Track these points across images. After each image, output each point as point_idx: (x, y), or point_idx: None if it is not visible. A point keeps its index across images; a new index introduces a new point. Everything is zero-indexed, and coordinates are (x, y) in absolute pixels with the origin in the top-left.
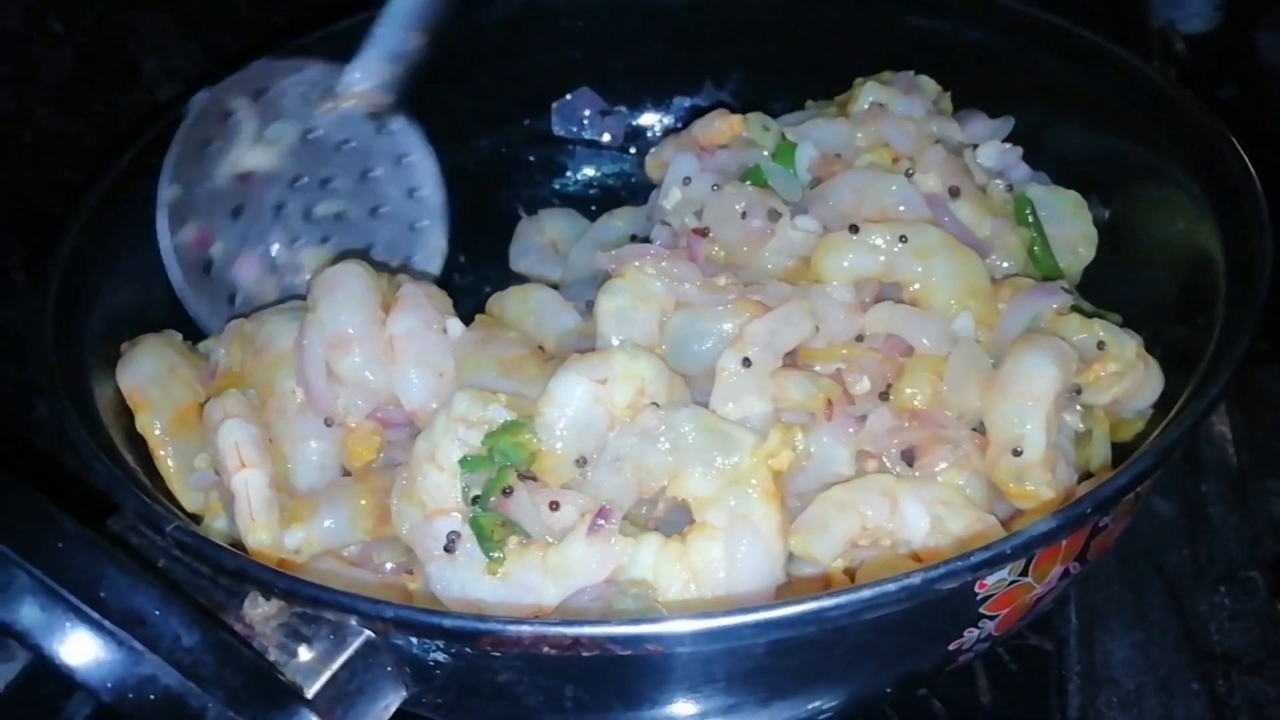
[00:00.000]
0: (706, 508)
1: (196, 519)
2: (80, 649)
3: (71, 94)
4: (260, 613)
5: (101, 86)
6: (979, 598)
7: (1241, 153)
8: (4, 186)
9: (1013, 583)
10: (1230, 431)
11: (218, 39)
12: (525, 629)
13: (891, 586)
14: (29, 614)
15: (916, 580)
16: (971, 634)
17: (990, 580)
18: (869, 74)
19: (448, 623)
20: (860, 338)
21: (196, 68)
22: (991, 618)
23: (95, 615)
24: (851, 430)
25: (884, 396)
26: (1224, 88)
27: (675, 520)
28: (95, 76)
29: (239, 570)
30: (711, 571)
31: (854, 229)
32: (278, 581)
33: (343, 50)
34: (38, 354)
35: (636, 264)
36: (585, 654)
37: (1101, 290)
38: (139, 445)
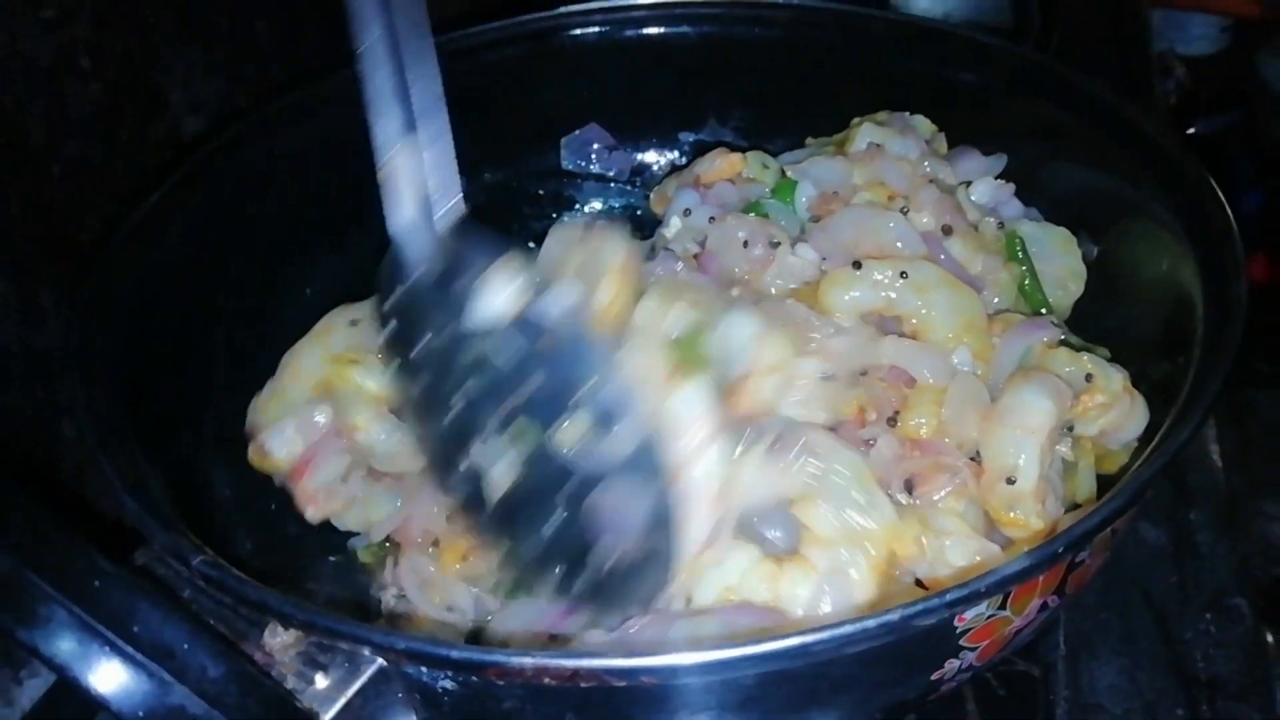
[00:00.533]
0: (816, 546)
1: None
2: (113, 679)
3: (100, 125)
4: (279, 641)
5: (128, 118)
6: (958, 631)
7: (1221, 196)
8: (34, 214)
9: (991, 616)
10: (1220, 459)
11: (242, 70)
12: (527, 661)
13: (871, 623)
14: (67, 647)
15: (895, 617)
16: (953, 664)
17: (968, 615)
18: (867, 112)
19: (455, 654)
20: (864, 370)
21: (221, 98)
22: (972, 649)
23: (128, 648)
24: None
25: (891, 422)
26: (1226, 113)
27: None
28: (122, 108)
29: (260, 603)
30: (792, 605)
31: (857, 265)
32: (296, 614)
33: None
34: (70, 394)
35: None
36: (584, 685)
37: (1090, 324)
38: (172, 469)
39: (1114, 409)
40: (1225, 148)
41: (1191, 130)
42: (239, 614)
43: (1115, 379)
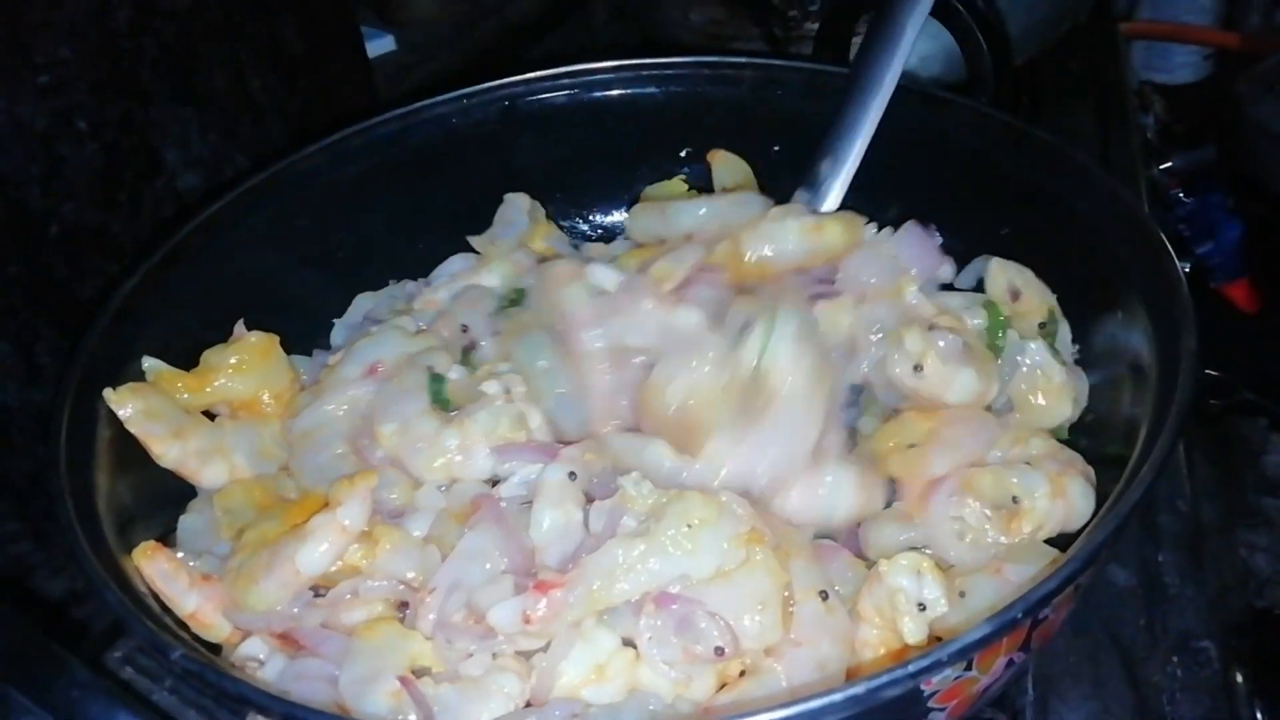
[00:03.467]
0: None
1: None
2: None
3: (96, 187)
4: None
5: (125, 179)
6: (926, 694)
7: (1169, 247)
8: (33, 276)
9: (958, 678)
10: (1191, 499)
11: (237, 127)
12: None
13: (838, 697)
14: None
15: (861, 690)
16: None
17: (935, 679)
18: None
19: None
20: None
21: (216, 155)
22: (941, 709)
23: None
24: None
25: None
26: (1204, 145)
27: None
28: (119, 169)
29: (239, 695)
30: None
31: None
32: (274, 705)
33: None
34: (52, 501)
35: None
36: None
37: None
38: None
39: (1049, 521)
40: (1203, 179)
41: (1169, 164)
42: (220, 705)
43: (1040, 491)
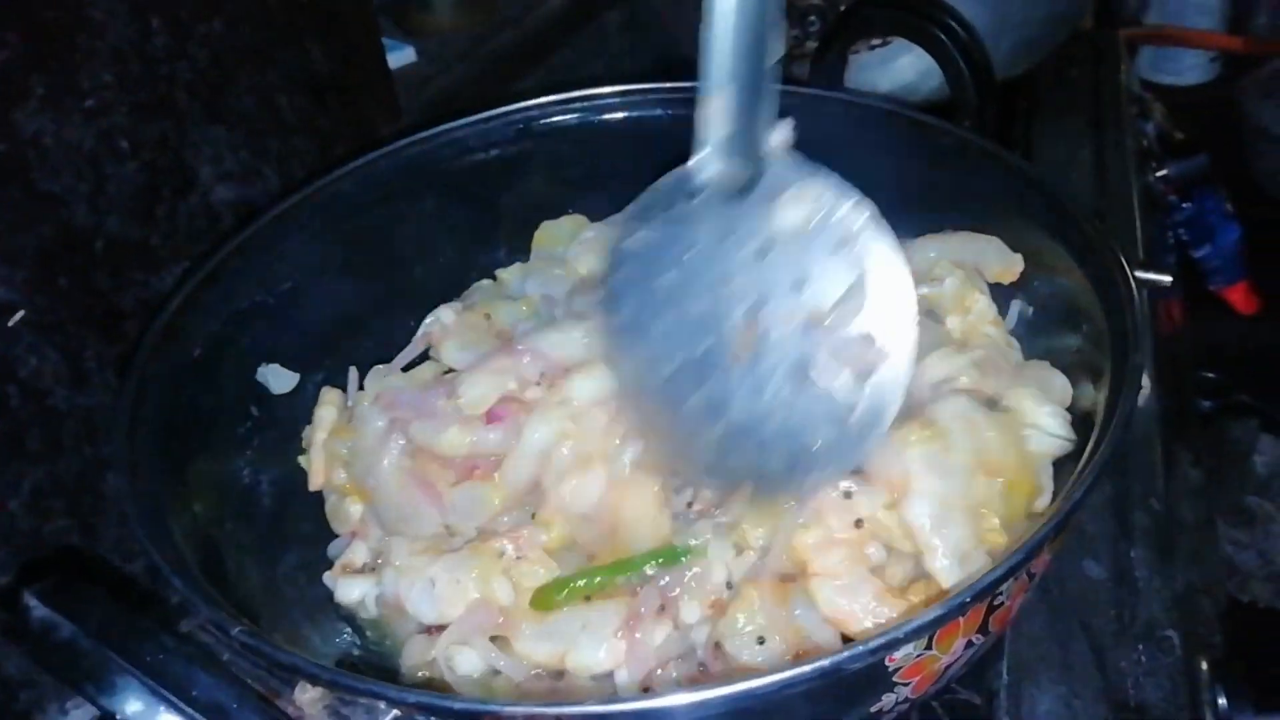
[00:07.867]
0: None
1: None
2: None
3: (137, 203)
4: (308, 697)
5: (163, 194)
6: (890, 669)
7: (1127, 268)
8: (80, 288)
9: (919, 656)
10: (1163, 500)
11: (265, 143)
12: (518, 710)
13: (807, 668)
14: (135, 707)
15: (827, 663)
16: (889, 698)
17: (897, 655)
18: None
19: (457, 705)
20: None
21: (246, 170)
22: (906, 684)
23: (187, 709)
24: None
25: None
26: (1200, 153)
27: None
28: (158, 186)
29: (291, 665)
30: None
31: None
32: (321, 674)
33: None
34: (120, 486)
35: None
36: None
37: None
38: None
39: None
40: (1200, 184)
41: (1164, 172)
42: (273, 674)
43: None
